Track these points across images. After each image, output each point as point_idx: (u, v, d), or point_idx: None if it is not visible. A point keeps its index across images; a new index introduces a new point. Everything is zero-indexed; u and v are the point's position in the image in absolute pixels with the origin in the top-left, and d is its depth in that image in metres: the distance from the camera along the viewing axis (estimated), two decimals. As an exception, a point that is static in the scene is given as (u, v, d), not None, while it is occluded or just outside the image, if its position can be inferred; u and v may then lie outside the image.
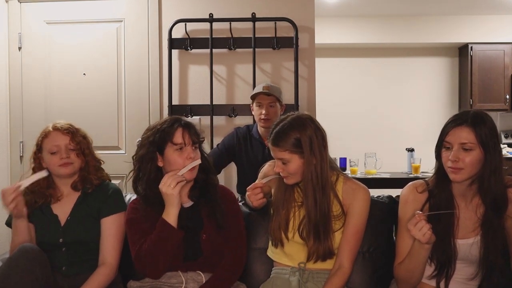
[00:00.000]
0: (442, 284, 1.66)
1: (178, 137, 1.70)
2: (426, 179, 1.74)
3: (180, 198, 1.74)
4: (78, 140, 1.88)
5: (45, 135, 1.87)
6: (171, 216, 1.66)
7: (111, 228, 1.82)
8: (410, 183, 1.76)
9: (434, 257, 1.64)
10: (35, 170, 1.88)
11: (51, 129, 1.87)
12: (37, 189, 1.85)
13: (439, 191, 1.67)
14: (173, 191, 1.63)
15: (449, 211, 1.61)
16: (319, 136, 1.70)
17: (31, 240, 1.82)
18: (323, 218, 1.69)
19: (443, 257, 1.62)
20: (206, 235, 1.73)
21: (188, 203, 1.79)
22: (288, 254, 1.78)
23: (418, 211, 1.55)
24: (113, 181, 3.18)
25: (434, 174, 1.70)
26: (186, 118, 1.83)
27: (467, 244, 1.63)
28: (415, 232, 1.51)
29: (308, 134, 1.68)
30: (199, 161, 1.71)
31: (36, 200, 1.84)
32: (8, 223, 1.89)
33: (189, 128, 1.73)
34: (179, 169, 1.68)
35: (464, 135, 1.57)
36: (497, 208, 1.60)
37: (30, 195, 1.85)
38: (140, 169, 1.74)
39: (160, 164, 1.73)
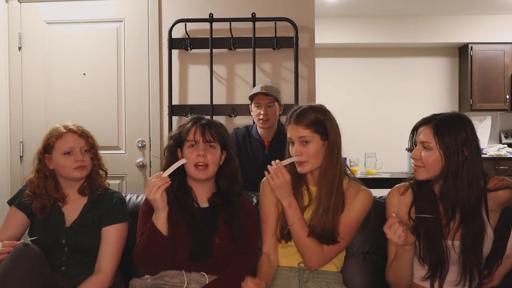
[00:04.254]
0: (436, 286, 1.65)
1: (190, 134, 1.76)
2: (411, 181, 1.74)
3: (198, 198, 1.79)
4: (92, 143, 1.89)
5: (58, 136, 1.84)
6: (159, 219, 1.66)
7: (110, 238, 1.81)
8: (394, 186, 1.77)
9: (426, 258, 1.63)
10: (39, 173, 1.86)
11: (64, 130, 1.85)
12: (43, 192, 1.83)
13: (421, 191, 1.67)
14: (155, 195, 1.62)
15: (427, 216, 1.60)
16: (335, 122, 1.76)
17: (20, 237, 1.84)
18: (333, 206, 1.70)
19: (434, 258, 1.62)
20: (219, 239, 1.73)
21: (204, 204, 1.80)
22: (290, 255, 1.78)
23: (393, 214, 1.56)
24: (113, 181, 3.20)
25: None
26: (208, 118, 1.87)
27: (456, 246, 1.63)
28: (390, 235, 1.52)
29: (330, 116, 1.74)
30: (183, 161, 1.73)
31: (44, 205, 1.83)
32: (10, 203, 1.90)
33: (205, 126, 1.77)
34: (163, 172, 1.68)
35: (425, 133, 1.61)
36: (463, 211, 1.58)
37: (39, 200, 1.83)
38: (165, 160, 1.82)
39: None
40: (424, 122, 1.64)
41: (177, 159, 1.78)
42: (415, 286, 1.71)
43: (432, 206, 1.64)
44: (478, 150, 1.61)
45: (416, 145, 1.65)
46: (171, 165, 1.76)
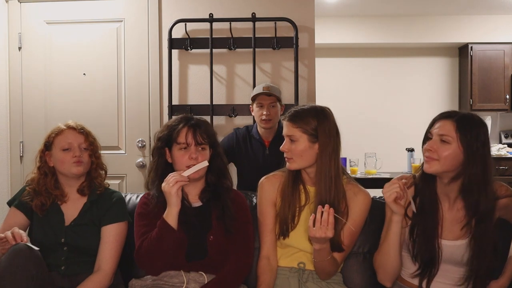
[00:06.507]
0: (424, 284, 1.65)
1: (181, 137, 1.73)
2: (415, 174, 1.73)
3: (189, 197, 1.78)
4: (91, 141, 1.90)
5: (58, 132, 1.87)
6: (170, 215, 1.66)
7: (110, 237, 1.82)
8: (399, 176, 1.74)
9: (418, 256, 1.63)
10: (40, 170, 1.88)
11: (64, 127, 1.88)
12: (43, 189, 1.85)
13: (423, 187, 1.66)
14: (171, 189, 1.63)
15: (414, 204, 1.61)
16: (335, 129, 1.73)
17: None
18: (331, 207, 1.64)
19: (426, 256, 1.61)
20: (213, 237, 1.73)
21: (197, 203, 1.80)
22: (290, 255, 1.78)
23: (403, 179, 1.60)
24: (113, 181, 3.20)
25: (421, 168, 1.68)
26: (196, 117, 1.83)
27: (454, 246, 1.62)
28: (384, 191, 1.57)
29: (327, 123, 1.70)
30: (205, 163, 1.71)
31: (44, 203, 1.84)
32: (9, 204, 1.91)
33: (196, 128, 1.75)
34: (184, 170, 1.69)
35: (445, 127, 1.57)
36: (480, 214, 1.58)
37: (39, 197, 1.84)
38: (153, 162, 1.80)
39: (169, 160, 1.78)
40: (445, 116, 1.61)
41: (166, 160, 1.78)
42: (404, 282, 1.71)
43: (433, 204, 1.64)
44: (491, 153, 1.61)
45: (430, 138, 1.62)
46: (160, 167, 1.77)
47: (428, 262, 1.62)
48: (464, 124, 1.56)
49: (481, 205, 1.57)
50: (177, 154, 1.74)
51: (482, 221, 1.58)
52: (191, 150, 1.73)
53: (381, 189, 1.63)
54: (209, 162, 1.78)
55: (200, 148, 1.75)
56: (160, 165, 1.78)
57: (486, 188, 1.57)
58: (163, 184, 1.66)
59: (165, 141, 1.77)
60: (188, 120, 1.77)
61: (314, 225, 1.54)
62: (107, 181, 1.98)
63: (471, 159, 1.54)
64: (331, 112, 1.76)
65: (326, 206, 1.55)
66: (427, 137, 1.64)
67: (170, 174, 1.67)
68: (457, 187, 1.61)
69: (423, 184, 1.67)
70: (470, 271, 1.60)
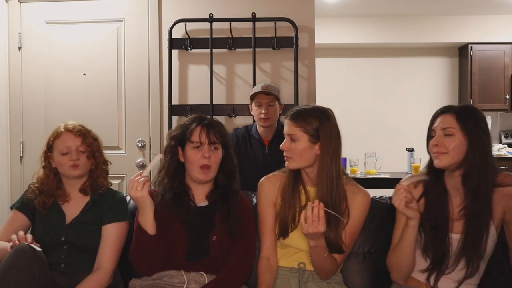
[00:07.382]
0: (432, 279, 1.65)
1: (195, 135, 1.74)
2: (423, 176, 1.73)
3: (196, 197, 1.78)
4: (89, 143, 1.90)
5: (56, 135, 1.88)
6: (146, 218, 1.66)
7: (110, 236, 1.83)
8: (409, 175, 1.77)
9: (430, 252, 1.64)
10: (45, 169, 1.90)
11: (63, 130, 1.89)
12: (46, 189, 1.87)
13: (431, 184, 1.67)
14: (142, 192, 1.63)
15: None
16: (336, 131, 1.73)
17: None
18: (333, 207, 1.65)
19: (437, 251, 1.62)
20: (216, 237, 1.73)
21: (203, 203, 1.80)
22: (290, 255, 1.78)
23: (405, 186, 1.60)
24: (113, 181, 3.20)
25: (427, 166, 1.70)
26: (210, 117, 1.84)
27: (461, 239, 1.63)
28: (394, 200, 1.57)
29: (328, 124, 1.70)
30: (159, 156, 1.71)
31: (45, 201, 1.86)
32: (12, 207, 1.93)
33: (209, 128, 1.76)
34: (142, 171, 1.68)
35: (446, 120, 1.60)
36: (476, 200, 1.59)
37: (40, 196, 1.87)
38: (165, 161, 1.79)
39: (182, 159, 1.78)
40: (444, 110, 1.64)
41: (178, 159, 1.78)
42: (409, 279, 1.71)
43: (442, 199, 1.65)
44: (491, 142, 1.63)
45: (433, 135, 1.63)
46: (172, 166, 1.77)
47: (440, 257, 1.62)
48: (464, 114, 1.59)
49: (481, 189, 1.58)
50: (190, 152, 1.74)
51: (478, 206, 1.59)
52: (204, 149, 1.73)
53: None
54: (220, 163, 1.78)
55: (212, 148, 1.75)
56: (172, 164, 1.78)
57: (487, 173, 1.58)
58: (129, 191, 1.65)
59: (179, 140, 1.77)
60: (201, 120, 1.78)
61: (306, 224, 1.55)
62: (110, 181, 1.99)
63: (474, 147, 1.57)
64: (333, 114, 1.76)
65: (316, 201, 1.56)
66: (430, 135, 1.66)
67: (130, 180, 1.65)
68: (459, 175, 1.62)
69: (431, 180, 1.68)
70: (463, 257, 1.60)
